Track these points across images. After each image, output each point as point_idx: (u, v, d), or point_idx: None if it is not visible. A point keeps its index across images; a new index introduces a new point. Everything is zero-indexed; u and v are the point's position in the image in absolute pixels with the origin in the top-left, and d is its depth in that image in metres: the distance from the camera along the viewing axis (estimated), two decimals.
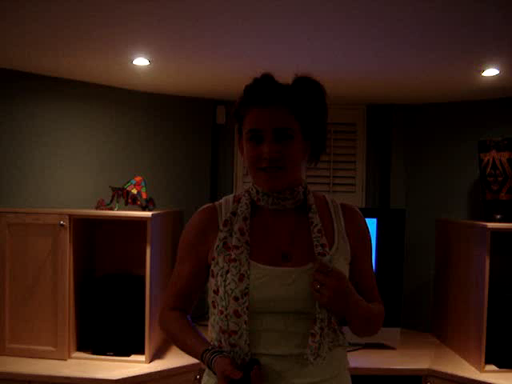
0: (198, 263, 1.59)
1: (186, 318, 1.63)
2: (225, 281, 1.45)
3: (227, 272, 1.46)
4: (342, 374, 1.57)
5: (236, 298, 1.43)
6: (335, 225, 1.57)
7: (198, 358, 1.49)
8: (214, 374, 1.42)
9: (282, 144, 1.47)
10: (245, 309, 1.43)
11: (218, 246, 1.51)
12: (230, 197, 1.64)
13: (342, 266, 1.53)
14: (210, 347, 1.47)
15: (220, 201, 1.64)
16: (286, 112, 1.48)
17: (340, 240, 1.55)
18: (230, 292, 1.44)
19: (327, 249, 1.48)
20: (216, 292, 1.49)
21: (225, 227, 1.54)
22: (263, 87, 1.50)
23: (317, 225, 1.51)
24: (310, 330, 1.43)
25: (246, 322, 1.42)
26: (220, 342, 1.46)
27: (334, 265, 1.46)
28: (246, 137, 1.52)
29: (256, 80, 1.53)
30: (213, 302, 1.51)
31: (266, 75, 1.53)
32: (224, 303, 1.44)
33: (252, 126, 1.49)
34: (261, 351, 1.45)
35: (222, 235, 1.52)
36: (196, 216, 1.64)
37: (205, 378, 1.59)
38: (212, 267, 1.51)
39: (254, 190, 1.58)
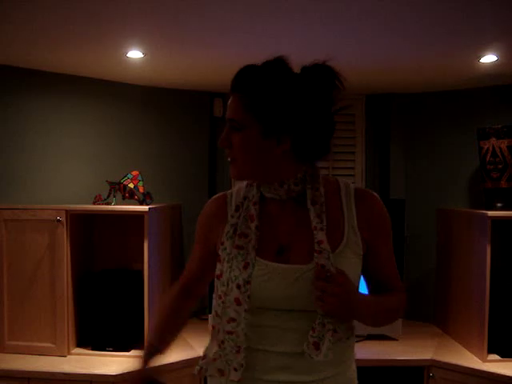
0: (207, 250, 1.59)
1: (178, 301, 1.70)
2: (230, 267, 1.43)
3: (233, 258, 1.43)
4: (348, 369, 1.53)
5: (238, 286, 1.40)
6: (346, 216, 1.47)
7: None
8: None
9: (232, 135, 1.44)
10: (246, 297, 1.39)
11: (228, 231, 1.48)
12: (245, 182, 1.58)
13: (351, 261, 1.44)
14: (152, 345, 1.63)
15: (235, 188, 1.60)
16: (238, 101, 1.42)
17: (350, 234, 1.46)
18: (233, 279, 1.41)
19: (324, 245, 1.38)
20: (218, 277, 1.46)
21: (236, 212, 1.50)
22: (236, 74, 1.44)
23: (315, 219, 1.42)
24: (312, 325, 1.38)
25: (245, 310, 1.39)
26: (214, 327, 1.46)
27: (339, 261, 1.39)
28: None
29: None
30: (214, 286, 1.49)
31: (277, 59, 1.43)
32: (224, 289, 1.42)
33: None
34: (260, 347, 1.43)
35: (232, 221, 1.49)
36: (207, 204, 1.64)
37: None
38: (219, 252, 1.48)
39: None
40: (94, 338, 2.90)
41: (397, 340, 3.21)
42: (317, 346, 1.36)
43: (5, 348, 2.82)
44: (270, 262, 1.43)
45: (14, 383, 2.59)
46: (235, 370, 1.41)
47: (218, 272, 1.47)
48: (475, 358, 2.87)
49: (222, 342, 1.42)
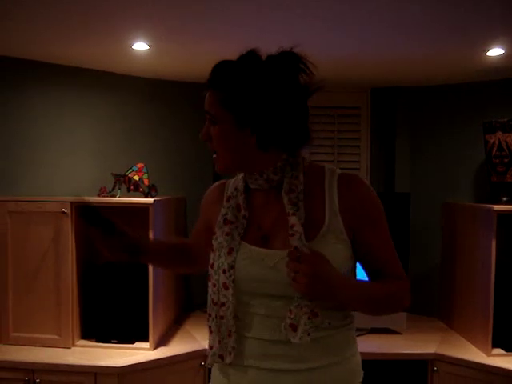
0: (202, 228, 1.72)
1: (179, 243, 1.87)
2: (219, 255, 1.49)
3: (222, 247, 1.49)
4: (348, 361, 1.51)
5: (224, 271, 1.46)
6: (327, 201, 1.47)
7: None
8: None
9: (211, 129, 1.50)
10: (231, 282, 1.45)
11: (219, 221, 1.54)
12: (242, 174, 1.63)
13: (335, 247, 1.44)
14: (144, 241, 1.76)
15: (235, 177, 1.66)
16: (212, 96, 1.49)
17: (332, 219, 1.45)
18: (220, 265, 1.47)
19: (295, 228, 1.39)
20: (211, 265, 1.52)
21: (227, 203, 1.57)
22: (211, 70, 1.50)
23: (288, 206, 1.44)
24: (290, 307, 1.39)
25: (232, 294, 1.45)
26: (210, 315, 1.51)
27: (322, 246, 1.40)
28: None
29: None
30: (209, 275, 1.52)
31: (249, 53, 1.47)
32: (217, 277, 1.48)
33: None
34: (248, 334, 1.46)
35: (223, 211, 1.55)
36: (209, 190, 1.74)
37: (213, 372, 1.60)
38: (212, 242, 1.54)
39: None
40: (98, 330, 2.90)
41: (401, 334, 3.21)
42: (294, 328, 1.38)
43: (9, 339, 2.83)
44: (253, 247, 1.47)
45: (19, 375, 2.60)
46: (230, 353, 1.46)
47: (211, 261, 1.53)
48: (479, 352, 2.87)
49: (219, 327, 1.47)
